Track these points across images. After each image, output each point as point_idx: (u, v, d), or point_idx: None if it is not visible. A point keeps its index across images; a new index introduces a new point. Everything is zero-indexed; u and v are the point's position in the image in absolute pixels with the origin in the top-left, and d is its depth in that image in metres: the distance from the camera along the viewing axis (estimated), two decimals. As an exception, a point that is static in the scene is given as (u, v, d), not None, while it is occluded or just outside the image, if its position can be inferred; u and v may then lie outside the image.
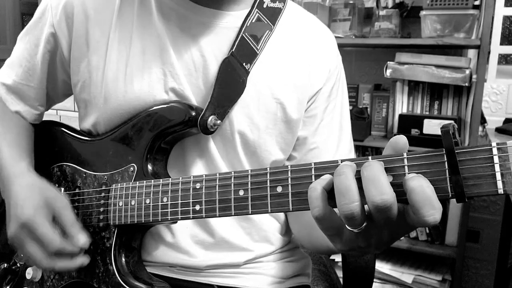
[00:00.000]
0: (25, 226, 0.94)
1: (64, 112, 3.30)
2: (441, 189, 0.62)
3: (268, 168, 0.76)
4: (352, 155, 1.16)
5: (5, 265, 1.11)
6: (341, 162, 0.68)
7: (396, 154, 0.66)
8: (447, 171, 0.62)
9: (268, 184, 0.76)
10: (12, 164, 1.04)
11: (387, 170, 0.65)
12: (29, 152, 1.11)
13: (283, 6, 1.06)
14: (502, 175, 0.58)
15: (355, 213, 0.62)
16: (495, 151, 0.59)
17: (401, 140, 0.67)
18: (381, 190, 0.61)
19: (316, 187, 0.66)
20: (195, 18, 1.00)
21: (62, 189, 1.07)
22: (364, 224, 0.65)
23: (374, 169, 0.63)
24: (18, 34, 1.15)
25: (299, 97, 1.04)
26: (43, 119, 1.19)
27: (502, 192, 0.58)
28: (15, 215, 0.96)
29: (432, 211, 0.59)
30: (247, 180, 0.78)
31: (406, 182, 0.61)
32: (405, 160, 0.65)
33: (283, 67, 1.03)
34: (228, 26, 1.01)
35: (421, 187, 0.60)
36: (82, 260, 0.96)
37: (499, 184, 0.59)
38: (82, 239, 0.94)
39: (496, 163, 0.59)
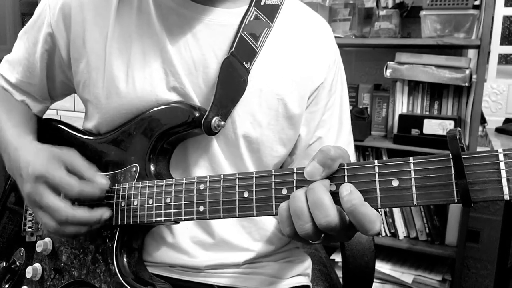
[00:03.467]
0: (40, 178, 0.91)
1: (64, 112, 3.29)
2: (447, 194, 0.63)
3: (273, 171, 0.76)
4: (351, 148, 1.17)
5: (5, 263, 1.11)
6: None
7: (401, 158, 0.67)
8: (453, 175, 0.63)
9: (273, 187, 0.76)
10: (18, 138, 1.04)
11: (394, 174, 0.66)
12: (33, 132, 1.11)
13: (280, 2, 1.06)
14: (508, 180, 0.59)
15: (310, 232, 0.70)
16: (501, 157, 0.60)
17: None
18: (325, 212, 0.68)
19: (281, 208, 0.74)
20: (193, 15, 1.00)
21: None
22: (322, 236, 0.72)
23: (317, 193, 0.69)
24: (18, 34, 1.15)
25: (300, 93, 1.05)
26: (45, 118, 1.20)
27: (508, 198, 0.59)
28: (28, 174, 0.93)
29: (370, 225, 0.66)
30: (251, 182, 0.78)
31: (341, 203, 0.68)
32: (412, 165, 0.65)
33: (283, 63, 1.04)
34: (226, 23, 1.01)
35: (354, 208, 0.66)
36: (102, 212, 0.94)
37: (505, 190, 0.59)
38: (101, 179, 0.93)
39: (502, 169, 0.59)
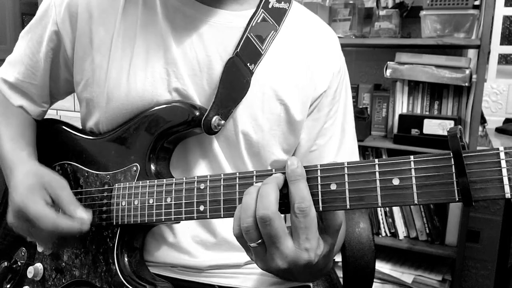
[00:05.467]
0: (19, 209, 0.93)
1: (64, 112, 3.30)
2: (448, 193, 0.63)
3: (273, 170, 0.76)
4: (355, 157, 1.16)
5: (6, 263, 1.11)
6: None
7: (402, 157, 0.67)
8: (454, 174, 0.63)
9: None
10: (13, 154, 1.05)
11: (394, 172, 0.66)
12: (31, 143, 1.11)
13: (288, 7, 1.07)
14: (509, 179, 0.59)
15: (249, 227, 0.72)
16: (502, 155, 0.59)
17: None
18: (266, 204, 0.70)
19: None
20: (200, 17, 1.00)
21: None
22: (259, 241, 0.73)
23: (266, 187, 0.72)
24: (18, 34, 1.14)
25: (302, 99, 1.04)
26: (46, 118, 1.19)
27: (510, 197, 0.59)
28: (11, 201, 0.96)
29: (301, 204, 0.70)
30: (252, 180, 0.78)
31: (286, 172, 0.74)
32: (412, 163, 0.65)
33: (287, 68, 1.03)
34: (233, 25, 1.01)
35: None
36: (88, 220, 0.94)
37: (507, 189, 0.59)
38: (82, 214, 0.93)
39: (503, 168, 0.59)
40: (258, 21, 1.01)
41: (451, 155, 0.63)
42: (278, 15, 1.05)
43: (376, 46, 2.65)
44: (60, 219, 0.91)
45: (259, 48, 1.00)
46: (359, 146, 2.40)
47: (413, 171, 0.65)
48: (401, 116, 2.38)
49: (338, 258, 2.40)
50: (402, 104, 2.43)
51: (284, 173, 0.73)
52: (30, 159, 1.05)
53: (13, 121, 1.12)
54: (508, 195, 0.59)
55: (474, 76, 2.25)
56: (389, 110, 2.51)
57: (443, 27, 2.22)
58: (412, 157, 0.66)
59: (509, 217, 2.28)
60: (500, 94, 2.52)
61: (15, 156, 1.04)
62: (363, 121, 2.44)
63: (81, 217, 0.92)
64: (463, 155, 0.61)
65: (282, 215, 0.74)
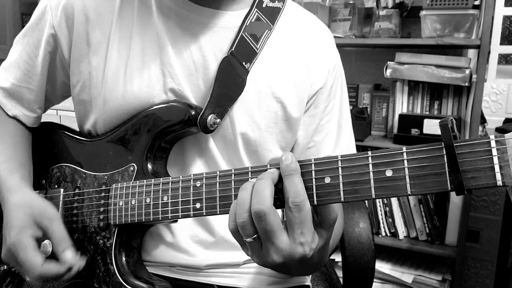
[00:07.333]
0: (10, 250, 0.93)
1: (64, 112, 3.29)
2: (440, 182, 0.63)
3: (268, 165, 0.76)
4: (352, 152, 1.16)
5: (5, 267, 1.11)
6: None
7: (394, 148, 0.67)
8: (446, 164, 0.63)
9: None
10: (6, 178, 1.03)
11: (387, 164, 0.67)
12: (24, 162, 1.10)
13: (282, 6, 1.07)
14: (500, 167, 0.59)
15: (245, 222, 0.72)
16: (493, 143, 0.60)
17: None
18: (261, 200, 0.70)
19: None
20: (195, 17, 1.00)
21: (62, 190, 1.07)
22: (254, 236, 0.73)
23: (262, 182, 0.72)
24: (17, 35, 1.14)
25: (298, 96, 1.04)
26: (43, 119, 1.19)
27: (501, 184, 0.59)
28: (4, 238, 0.96)
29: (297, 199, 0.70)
30: (247, 176, 0.78)
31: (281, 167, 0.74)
32: (405, 154, 0.66)
33: (283, 66, 1.04)
34: (227, 25, 1.01)
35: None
36: (78, 266, 0.95)
37: (498, 176, 0.59)
38: (68, 256, 0.93)
39: (494, 156, 0.60)
40: (252, 20, 1.02)
41: (443, 145, 0.63)
42: (272, 14, 1.05)
43: (376, 46, 2.65)
44: (45, 267, 0.91)
45: (254, 47, 1.00)
46: (359, 146, 2.44)
47: (405, 162, 0.65)
48: (401, 116, 2.38)
49: (338, 258, 2.42)
50: (402, 104, 2.43)
51: (279, 168, 0.73)
52: (22, 185, 1.03)
53: (7, 138, 1.11)
54: (499, 183, 0.59)
55: (474, 76, 2.25)
56: (389, 110, 2.51)
57: (443, 27, 2.22)
58: (404, 148, 0.66)
59: (509, 217, 2.28)
60: (500, 94, 2.51)
61: (7, 182, 1.03)
62: (363, 121, 2.44)
63: (67, 260, 0.93)
64: (455, 145, 0.61)
65: (278, 210, 0.75)
